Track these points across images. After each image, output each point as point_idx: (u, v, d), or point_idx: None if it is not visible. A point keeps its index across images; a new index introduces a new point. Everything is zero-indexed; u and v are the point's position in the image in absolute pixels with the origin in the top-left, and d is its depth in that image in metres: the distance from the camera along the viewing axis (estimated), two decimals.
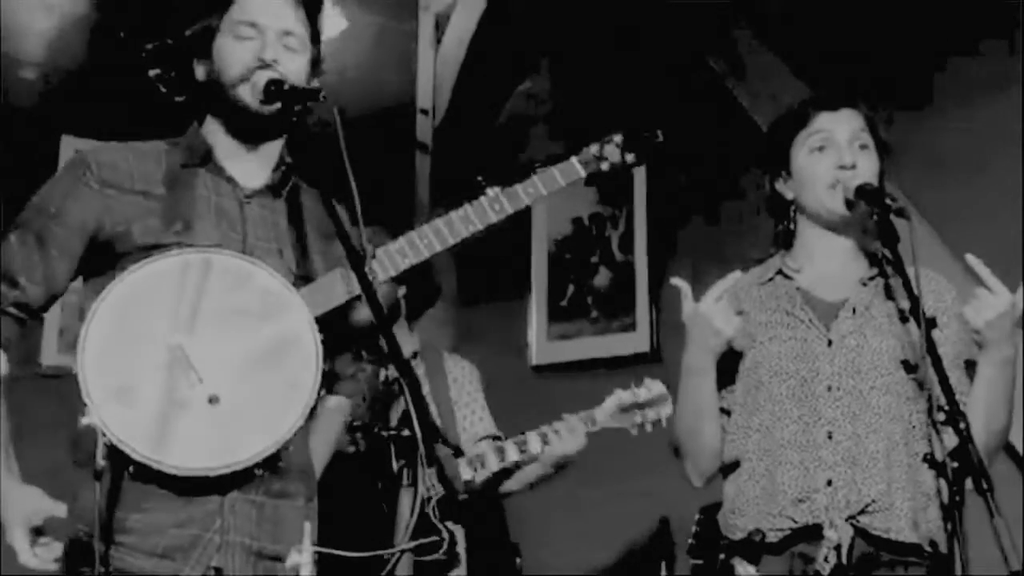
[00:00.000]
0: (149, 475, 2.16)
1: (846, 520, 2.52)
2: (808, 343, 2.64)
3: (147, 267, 2.23)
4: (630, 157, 2.59)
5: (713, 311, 2.62)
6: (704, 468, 2.76)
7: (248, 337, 2.24)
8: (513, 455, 3.63)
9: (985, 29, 4.12)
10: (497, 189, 2.46)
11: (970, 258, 2.54)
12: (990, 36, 4.11)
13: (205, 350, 2.20)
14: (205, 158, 2.42)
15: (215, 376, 2.19)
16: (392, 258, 2.39)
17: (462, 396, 3.88)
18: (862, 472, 2.54)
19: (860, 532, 2.52)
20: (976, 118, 4.09)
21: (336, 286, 2.35)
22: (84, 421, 2.13)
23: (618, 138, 2.59)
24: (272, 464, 2.25)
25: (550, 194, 2.52)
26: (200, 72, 2.45)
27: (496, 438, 3.75)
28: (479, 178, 2.47)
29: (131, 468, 2.15)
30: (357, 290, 2.31)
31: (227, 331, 2.23)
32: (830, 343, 2.63)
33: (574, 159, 2.55)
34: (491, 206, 2.45)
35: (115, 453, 2.12)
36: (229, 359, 2.21)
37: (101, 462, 2.08)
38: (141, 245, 2.31)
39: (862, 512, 2.52)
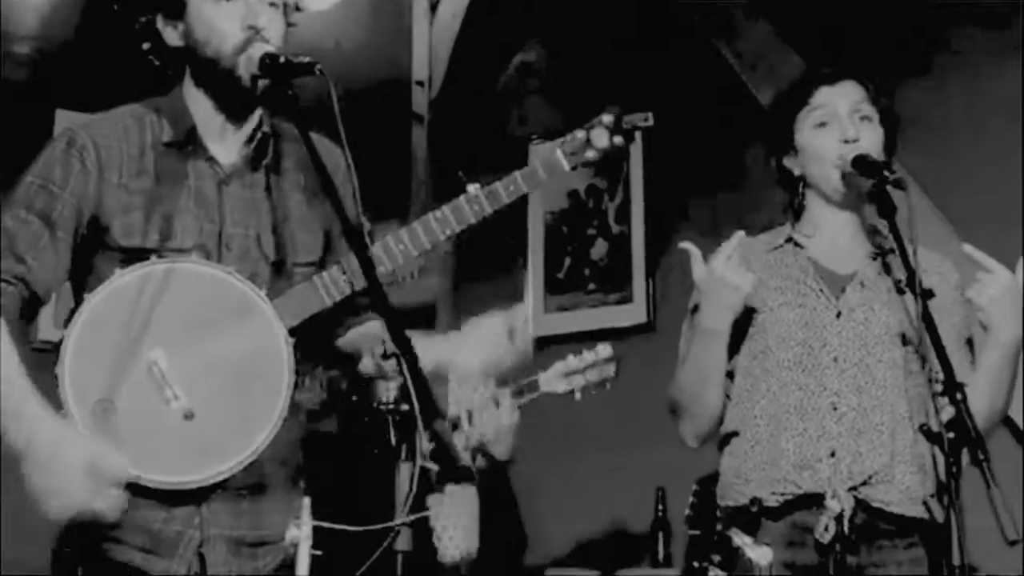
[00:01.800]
0: (129, 485, 2.15)
1: (848, 491, 2.53)
2: (817, 312, 2.64)
3: (115, 282, 2.21)
4: (618, 139, 2.46)
5: (727, 268, 2.59)
6: (701, 430, 2.76)
7: (221, 349, 2.24)
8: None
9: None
10: (477, 187, 2.39)
11: (967, 247, 2.55)
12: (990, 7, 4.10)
13: (179, 364, 2.21)
14: (189, 136, 2.35)
15: (190, 390, 2.20)
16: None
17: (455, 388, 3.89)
18: (866, 444, 2.55)
19: (861, 504, 2.53)
20: (975, 89, 4.08)
21: (311, 296, 2.30)
22: None
23: (607, 119, 2.47)
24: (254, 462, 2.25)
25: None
26: (172, 36, 2.35)
27: None
28: (460, 174, 2.42)
29: None
30: (333, 299, 2.29)
31: (200, 343, 2.23)
32: (839, 315, 2.63)
33: (558, 151, 2.44)
34: (470, 206, 2.37)
35: None
36: (203, 372, 2.21)
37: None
38: (125, 246, 2.27)
39: (864, 484, 2.53)
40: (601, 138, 2.45)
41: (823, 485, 2.55)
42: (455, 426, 3.71)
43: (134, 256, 2.25)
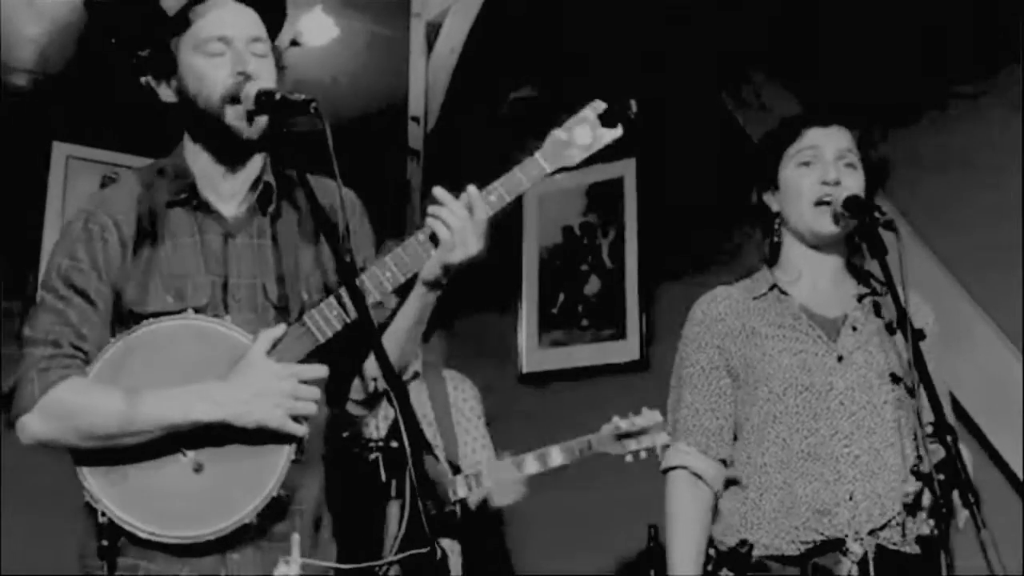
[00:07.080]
0: (147, 542, 2.19)
1: (868, 534, 2.53)
2: (819, 357, 2.63)
3: (112, 348, 2.25)
4: (604, 133, 2.35)
5: None
6: None
7: None
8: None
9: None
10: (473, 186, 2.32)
11: None
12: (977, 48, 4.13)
13: None
14: (191, 193, 2.37)
15: (196, 442, 2.22)
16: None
17: (461, 421, 3.90)
18: (883, 485, 2.54)
19: (881, 547, 2.52)
20: (958, 122, 4.10)
21: (303, 335, 2.28)
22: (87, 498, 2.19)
23: (589, 114, 2.36)
24: (271, 510, 2.25)
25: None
26: (166, 93, 2.39)
27: None
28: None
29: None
30: (326, 336, 2.26)
31: None
32: (840, 359, 2.63)
33: (538, 155, 2.35)
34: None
35: (113, 528, 2.17)
36: (207, 425, 2.21)
37: (104, 542, 2.14)
38: (137, 312, 2.28)
39: (883, 527, 2.53)
40: (584, 135, 2.36)
41: (843, 530, 2.52)
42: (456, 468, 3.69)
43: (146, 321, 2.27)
